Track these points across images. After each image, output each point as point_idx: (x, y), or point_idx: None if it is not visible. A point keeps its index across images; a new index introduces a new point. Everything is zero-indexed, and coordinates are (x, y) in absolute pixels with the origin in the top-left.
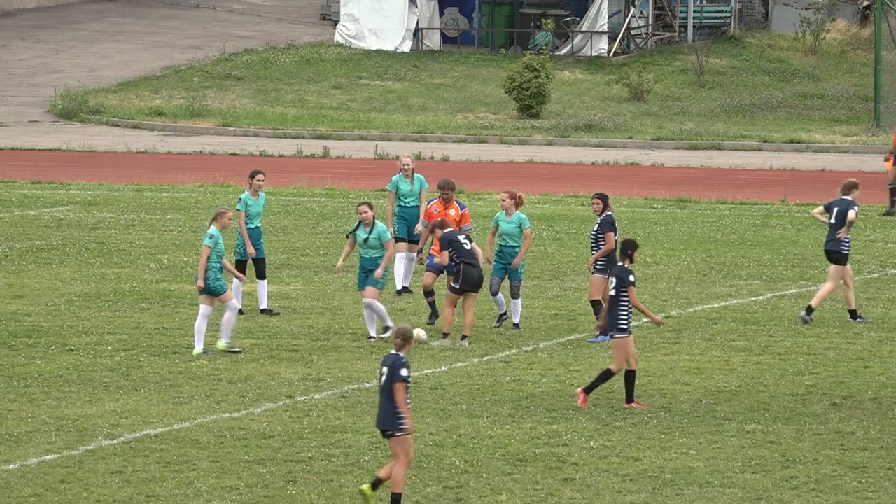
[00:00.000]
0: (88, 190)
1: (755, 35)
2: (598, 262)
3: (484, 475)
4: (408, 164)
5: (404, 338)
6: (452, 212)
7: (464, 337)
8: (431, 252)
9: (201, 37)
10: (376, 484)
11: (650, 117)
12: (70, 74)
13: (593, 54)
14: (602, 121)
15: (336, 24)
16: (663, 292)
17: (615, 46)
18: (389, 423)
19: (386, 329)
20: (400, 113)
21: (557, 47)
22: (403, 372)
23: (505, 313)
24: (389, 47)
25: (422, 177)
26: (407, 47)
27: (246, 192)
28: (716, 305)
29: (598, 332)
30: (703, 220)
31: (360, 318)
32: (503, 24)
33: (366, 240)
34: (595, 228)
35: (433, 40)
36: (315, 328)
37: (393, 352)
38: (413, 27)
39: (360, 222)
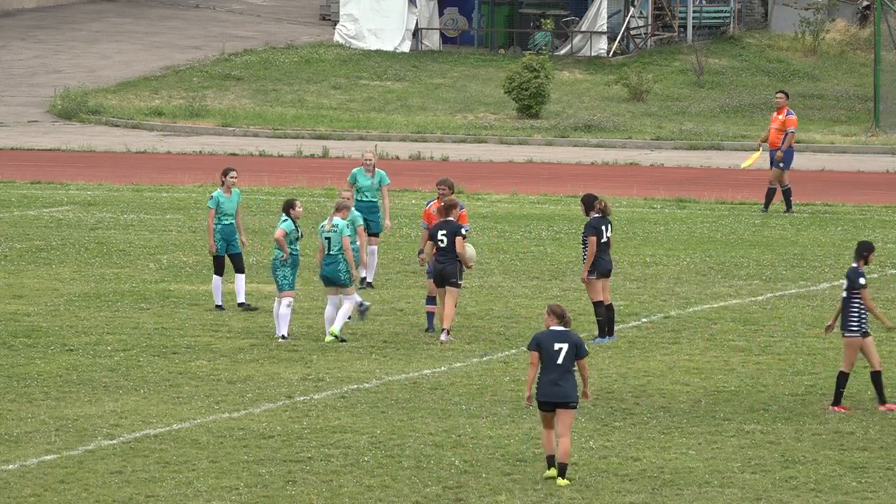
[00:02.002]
0: (88, 190)
1: (754, 35)
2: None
3: (483, 475)
4: (370, 159)
5: (565, 318)
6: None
7: (443, 330)
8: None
9: (201, 37)
10: (563, 469)
11: (650, 117)
12: (70, 74)
13: (593, 54)
14: (601, 121)
15: (335, 25)
16: (663, 292)
17: (615, 46)
18: (573, 395)
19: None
20: (399, 113)
21: (557, 47)
22: (586, 347)
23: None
24: (389, 47)
25: (383, 172)
26: (406, 47)
27: (218, 189)
28: (715, 305)
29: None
30: (703, 220)
31: (362, 321)
32: (503, 25)
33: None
34: (583, 231)
35: (433, 40)
36: (315, 328)
37: (561, 328)
38: (412, 27)
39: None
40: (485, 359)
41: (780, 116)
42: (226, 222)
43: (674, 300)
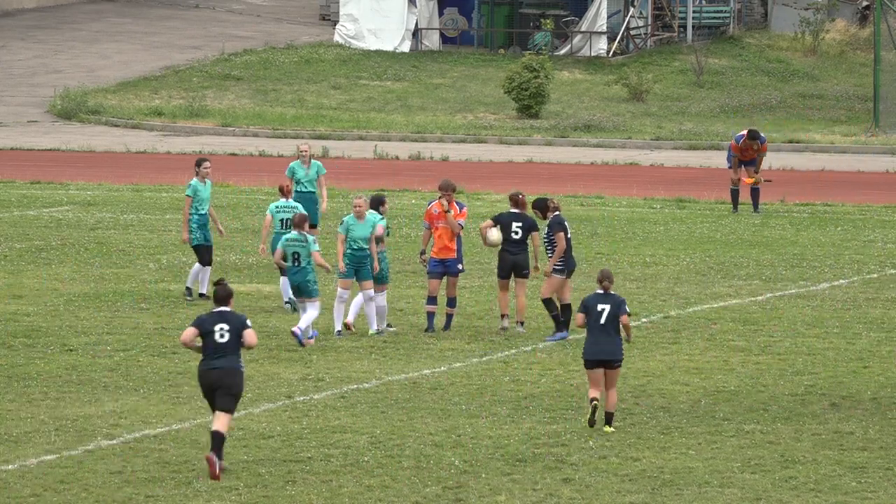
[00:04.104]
0: (88, 190)
1: (754, 35)
2: (556, 263)
3: (483, 475)
4: (305, 151)
5: (609, 279)
6: (451, 212)
7: (518, 322)
8: (432, 255)
9: (200, 37)
10: (609, 418)
11: (649, 117)
12: (69, 74)
13: (592, 54)
14: (601, 121)
15: (335, 25)
16: (662, 292)
17: (614, 46)
18: (619, 354)
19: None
20: (399, 113)
21: (557, 47)
22: (627, 307)
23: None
24: (389, 47)
25: (319, 163)
26: (406, 47)
27: (195, 179)
28: (715, 305)
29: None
30: (703, 220)
31: (359, 319)
32: (502, 25)
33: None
34: (546, 231)
35: (432, 40)
36: (314, 328)
37: (600, 291)
38: (412, 27)
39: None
40: (485, 359)
41: (755, 146)
42: (201, 211)
43: (674, 300)
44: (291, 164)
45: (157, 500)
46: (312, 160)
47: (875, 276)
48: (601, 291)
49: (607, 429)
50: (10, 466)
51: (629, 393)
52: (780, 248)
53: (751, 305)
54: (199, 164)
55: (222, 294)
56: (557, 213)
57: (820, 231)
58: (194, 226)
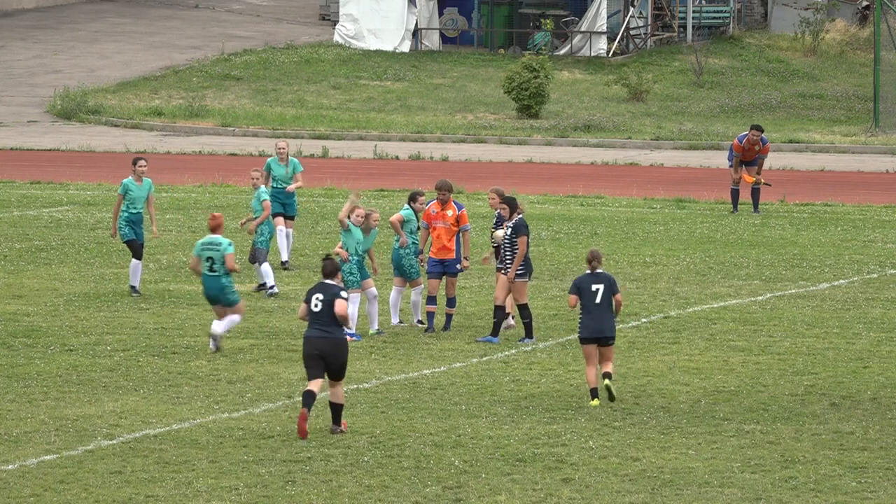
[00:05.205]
0: (87, 190)
1: (754, 35)
2: (517, 268)
3: (483, 475)
4: (283, 149)
5: (598, 259)
6: (450, 212)
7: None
8: (431, 255)
9: (200, 37)
10: (607, 375)
11: (649, 117)
12: (69, 74)
13: (592, 54)
14: (601, 121)
15: (335, 25)
16: (662, 292)
17: (614, 46)
18: (613, 331)
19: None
20: (399, 113)
21: (556, 47)
22: (618, 285)
23: (264, 284)
24: (388, 47)
25: (296, 160)
26: (406, 47)
27: (129, 177)
28: (715, 305)
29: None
30: (703, 220)
31: (360, 319)
32: (502, 25)
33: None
34: (509, 232)
35: (432, 40)
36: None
37: (598, 271)
38: (412, 27)
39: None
40: (484, 359)
41: (757, 147)
42: (133, 210)
43: (673, 300)
44: (269, 161)
45: (156, 500)
46: (290, 157)
47: (875, 276)
48: (590, 271)
49: (607, 382)
50: (10, 466)
51: (629, 393)
52: (780, 248)
53: (751, 305)
54: (135, 162)
55: (329, 269)
56: (521, 215)
57: (820, 231)
58: (123, 223)
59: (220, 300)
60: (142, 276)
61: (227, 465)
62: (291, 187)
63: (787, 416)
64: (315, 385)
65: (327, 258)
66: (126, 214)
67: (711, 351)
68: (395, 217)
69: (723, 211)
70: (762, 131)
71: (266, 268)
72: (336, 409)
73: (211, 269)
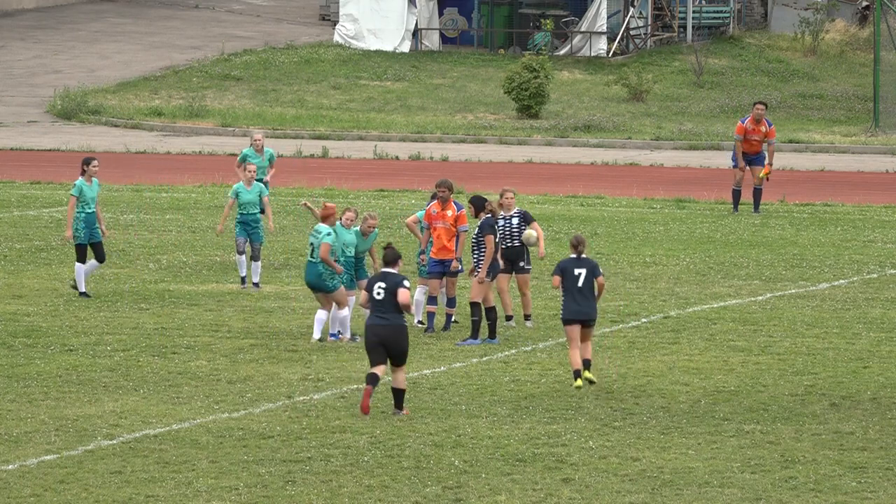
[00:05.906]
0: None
1: (754, 35)
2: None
3: (483, 475)
4: (258, 140)
5: (583, 244)
6: (450, 212)
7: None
8: (431, 255)
9: (200, 37)
10: (587, 364)
11: (649, 117)
12: (69, 75)
13: (592, 54)
14: (601, 121)
15: (335, 25)
16: (662, 292)
17: (614, 47)
18: (595, 313)
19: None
20: (399, 113)
21: (556, 47)
22: (601, 269)
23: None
24: (388, 48)
25: (272, 150)
26: (406, 48)
27: (80, 178)
28: (715, 305)
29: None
30: (703, 220)
31: (360, 319)
32: (502, 25)
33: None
34: (476, 232)
35: (432, 41)
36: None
37: (582, 256)
38: (412, 27)
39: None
40: (485, 359)
41: (763, 129)
42: (88, 210)
43: (673, 300)
44: (244, 151)
45: (156, 500)
46: (265, 148)
47: (875, 276)
48: (575, 256)
49: (587, 374)
50: (10, 466)
51: (629, 393)
52: (780, 248)
53: (751, 305)
54: (86, 162)
55: (390, 257)
56: (490, 215)
57: (820, 231)
58: (81, 224)
59: (318, 287)
60: (92, 275)
61: (227, 465)
62: (269, 176)
63: (787, 416)
64: (379, 370)
65: (388, 246)
66: (83, 215)
67: (711, 351)
68: (410, 219)
69: (723, 211)
70: (767, 106)
71: (243, 259)
72: (398, 395)
73: (311, 256)
